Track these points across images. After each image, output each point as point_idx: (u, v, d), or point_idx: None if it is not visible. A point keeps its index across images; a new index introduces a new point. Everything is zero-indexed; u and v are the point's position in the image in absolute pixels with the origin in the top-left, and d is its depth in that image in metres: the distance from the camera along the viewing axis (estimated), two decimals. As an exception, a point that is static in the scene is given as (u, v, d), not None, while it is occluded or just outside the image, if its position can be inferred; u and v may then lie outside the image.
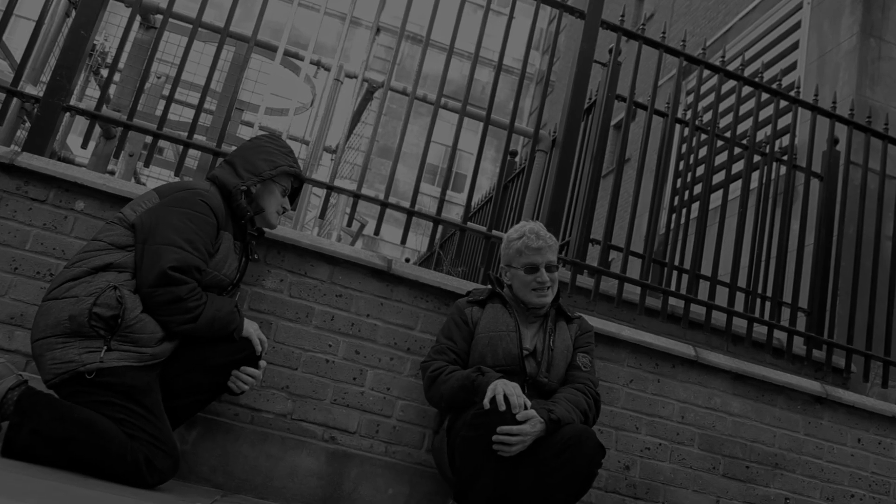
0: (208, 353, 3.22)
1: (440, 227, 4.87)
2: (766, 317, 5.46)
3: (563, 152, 4.83)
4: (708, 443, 4.36)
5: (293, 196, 3.72)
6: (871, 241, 6.01)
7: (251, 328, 3.32)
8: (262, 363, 3.36)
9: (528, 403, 3.22)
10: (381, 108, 4.62)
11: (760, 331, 5.40)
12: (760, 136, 7.60)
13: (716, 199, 8.08)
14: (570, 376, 3.66)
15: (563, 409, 3.35)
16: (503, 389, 3.21)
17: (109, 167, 5.95)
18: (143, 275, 3.01)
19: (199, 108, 4.34)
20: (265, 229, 3.71)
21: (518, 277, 3.75)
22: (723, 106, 8.70)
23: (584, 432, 3.25)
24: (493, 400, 3.19)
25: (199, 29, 4.58)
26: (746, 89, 7.76)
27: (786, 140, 7.25)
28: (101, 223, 3.69)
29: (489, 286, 3.94)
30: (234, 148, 3.81)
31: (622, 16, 5.20)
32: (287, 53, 4.96)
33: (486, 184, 21.09)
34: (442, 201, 4.55)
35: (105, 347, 2.90)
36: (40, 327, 2.96)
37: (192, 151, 4.73)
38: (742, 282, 6.10)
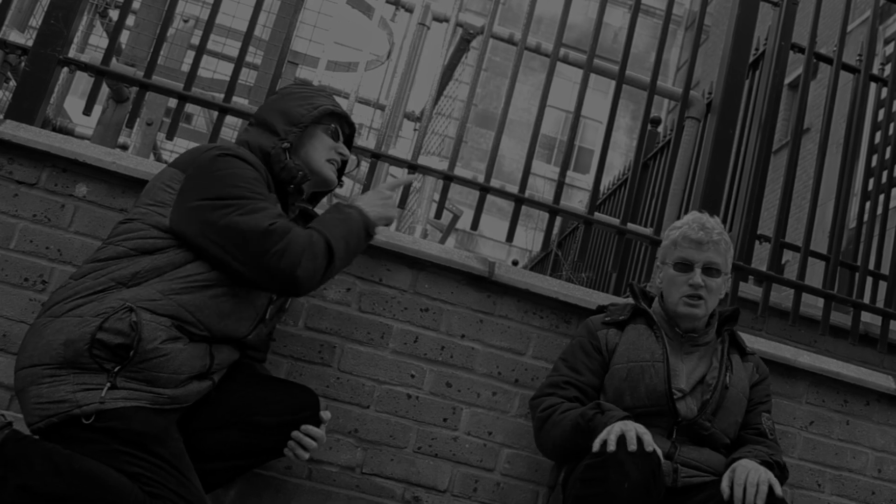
0: (255, 404, 3.19)
1: (558, 220, 4.79)
2: None
3: (721, 120, 4.82)
4: (914, 505, 4.27)
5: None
6: None
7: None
8: (326, 415, 3.30)
9: (657, 449, 3.08)
10: (481, 61, 4.59)
11: (984, 357, 5.32)
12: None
13: (924, 182, 7.95)
14: (747, 438, 3.56)
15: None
16: (622, 430, 3.06)
17: (121, 140, 6.13)
18: (239, 252, 2.98)
19: (239, 63, 4.36)
20: (322, 191, 3.63)
21: (667, 277, 3.66)
22: (934, 59, 8.57)
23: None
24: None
25: (241, -43, 4.57)
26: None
27: None
28: (110, 214, 3.70)
29: (631, 300, 3.83)
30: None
31: (799, -59, 5.19)
32: (355, -10, 4.90)
33: (618, 162, 21.15)
34: (561, 185, 4.51)
35: (108, 384, 2.84)
36: (27, 352, 2.91)
37: (229, 119, 4.64)
38: (958, 292, 5.97)
